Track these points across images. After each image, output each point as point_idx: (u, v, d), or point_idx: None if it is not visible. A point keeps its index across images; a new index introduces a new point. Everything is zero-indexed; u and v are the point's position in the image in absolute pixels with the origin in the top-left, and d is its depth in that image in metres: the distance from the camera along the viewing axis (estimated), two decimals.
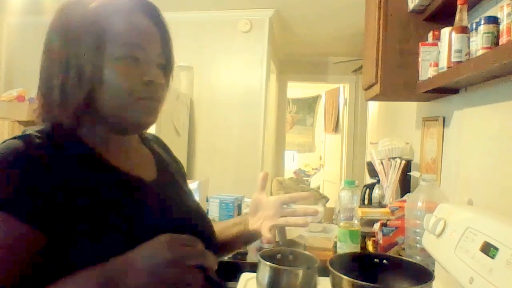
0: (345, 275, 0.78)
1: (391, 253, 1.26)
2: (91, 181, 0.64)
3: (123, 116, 0.68)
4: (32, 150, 0.61)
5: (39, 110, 0.71)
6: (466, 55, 1.09)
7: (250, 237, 0.92)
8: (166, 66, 0.74)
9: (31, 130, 0.66)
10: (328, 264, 0.82)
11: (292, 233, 1.54)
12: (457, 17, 1.11)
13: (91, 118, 0.69)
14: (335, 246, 1.36)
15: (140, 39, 0.68)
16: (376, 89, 1.62)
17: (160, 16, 0.73)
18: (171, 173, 0.85)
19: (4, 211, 0.56)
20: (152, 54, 0.69)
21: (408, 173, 1.83)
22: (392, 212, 1.41)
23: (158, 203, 0.73)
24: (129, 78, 0.66)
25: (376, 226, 1.37)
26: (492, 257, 0.71)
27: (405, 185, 1.87)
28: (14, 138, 0.62)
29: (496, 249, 0.71)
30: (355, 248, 1.28)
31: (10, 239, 0.56)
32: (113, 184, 0.68)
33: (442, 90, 1.41)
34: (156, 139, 0.93)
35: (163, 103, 0.73)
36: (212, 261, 0.60)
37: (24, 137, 0.62)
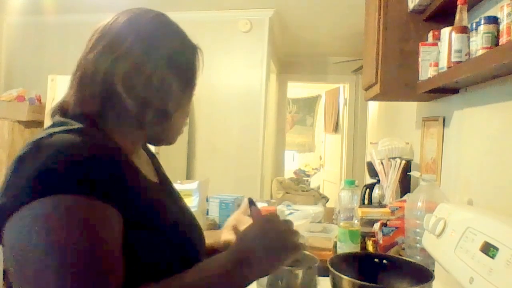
0: (345, 275, 0.78)
1: (391, 253, 1.26)
2: (131, 178, 0.65)
3: (162, 139, 0.78)
4: (88, 141, 0.60)
5: (76, 102, 0.68)
6: (466, 55, 1.09)
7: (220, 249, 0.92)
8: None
9: (67, 126, 0.63)
10: (328, 264, 0.82)
11: None
12: (457, 17, 1.11)
13: (130, 126, 0.72)
14: (335, 246, 1.36)
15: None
16: (376, 89, 1.62)
17: None
18: (167, 179, 0.88)
19: (82, 195, 0.55)
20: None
21: (408, 173, 1.83)
22: (392, 212, 1.41)
23: (170, 202, 0.79)
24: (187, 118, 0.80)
25: (376, 226, 1.37)
26: (492, 257, 0.71)
27: (405, 185, 1.87)
28: (61, 132, 0.60)
29: (496, 249, 0.71)
30: (355, 248, 1.28)
31: (103, 219, 0.57)
32: (140, 180, 0.71)
33: (442, 90, 1.41)
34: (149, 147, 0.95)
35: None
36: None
37: (75, 131, 0.61)
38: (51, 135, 0.59)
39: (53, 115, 0.71)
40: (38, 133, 0.61)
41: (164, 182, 0.84)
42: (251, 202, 0.80)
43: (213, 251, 0.88)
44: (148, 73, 0.68)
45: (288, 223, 0.72)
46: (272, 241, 0.66)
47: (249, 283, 0.65)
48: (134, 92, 0.68)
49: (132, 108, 0.68)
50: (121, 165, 0.63)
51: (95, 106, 0.67)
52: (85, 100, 0.68)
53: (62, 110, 0.70)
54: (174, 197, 0.83)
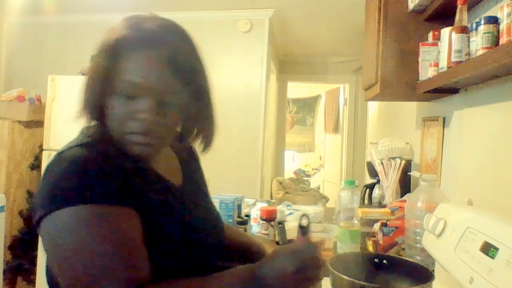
0: (345, 275, 0.78)
1: (391, 253, 1.26)
2: (138, 180, 0.70)
3: (122, 143, 0.72)
4: (97, 154, 0.67)
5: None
6: (466, 55, 1.09)
7: (255, 254, 0.94)
8: (171, 101, 0.71)
9: (82, 138, 0.72)
10: (328, 264, 0.82)
11: (292, 233, 1.54)
12: (457, 17, 1.11)
13: None
14: (335, 246, 1.35)
15: (140, 77, 0.68)
16: (376, 89, 1.62)
17: (173, 50, 0.70)
18: (196, 181, 0.89)
19: (95, 203, 0.62)
20: (150, 91, 0.68)
21: (408, 173, 1.83)
22: (392, 212, 1.41)
23: (185, 206, 0.79)
24: (121, 114, 0.69)
25: (376, 226, 1.37)
26: (492, 257, 0.71)
27: (405, 185, 1.87)
28: (75, 146, 0.68)
29: (496, 249, 0.71)
30: (355, 248, 1.28)
31: (119, 224, 0.63)
32: (152, 184, 0.73)
33: (442, 90, 1.41)
34: (188, 149, 0.96)
35: (166, 137, 0.74)
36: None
37: (85, 145, 0.68)
38: (71, 148, 0.68)
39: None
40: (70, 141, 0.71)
41: (189, 184, 0.85)
42: (303, 231, 0.73)
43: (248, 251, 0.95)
44: None
45: (317, 253, 0.69)
46: (293, 273, 0.65)
47: None
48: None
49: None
50: (126, 171, 0.68)
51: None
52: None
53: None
54: (193, 200, 0.83)
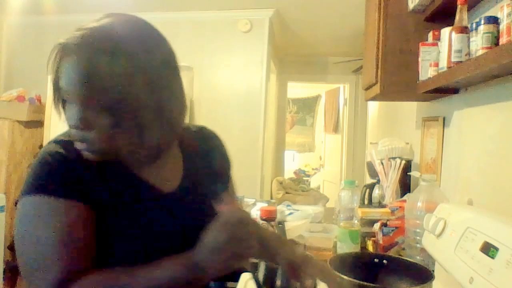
0: (345, 275, 0.78)
1: (391, 253, 1.26)
2: (105, 183, 0.71)
3: None
4: (65, 150, 0.70)
5: None
6: (466, 55, 1.09)
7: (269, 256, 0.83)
8: (94, 107, 0.67)
9: (62, 134, 0.75)
10: (328, 264, 0.82)
11: (292, 233, 1.54)
12: (457, 17, 1.11)
13: None
14: (335, 246, 1.36)
15: (66, 84, 0.67)
16: (376, 89, 1.62)
17: (82, 54, 0.66)
18: (199, 183, 0.83)
19: (51, 195, 0.67)
20: (76, 98, 0.67)
21: (408, 173, 1.83)
22: (392, 212, 1.41)
23: (160, 213, 0.76)
24: (66, 119, 0.71)
25: (376, 226, 1.37)
26: (492, 257, 0.71)
27: (405, 185, 1.87)
28: (52, 141, 0.73)
29: (496, 249, 0.71)
30: (355, 248, 1.28)
31: (66, 215, 0.67)
32: (118, 185, 0.73)
33: (442, 90, 1.41)
34: (205, 138, 0.91)
35: (104, 141, 0.68)
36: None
37: (59, 141, 0.72)
38: (49, 143, 0.72)
39: None
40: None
41: (186, 190, 0.80)
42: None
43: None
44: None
45: (244, 221, 0.65)
46: (224, 248, 0.62)
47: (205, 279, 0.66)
48: None
49: None
50: (91, 170, 0.70)
51: None
52: None
53: None
54: (185, 206, 0.79)
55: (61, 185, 0.67)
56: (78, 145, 0.70)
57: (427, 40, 1.44)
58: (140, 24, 0.72)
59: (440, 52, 1.27)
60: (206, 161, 0.88)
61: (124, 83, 0.65)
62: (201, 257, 0.64)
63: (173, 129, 0.74)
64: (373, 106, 3.61)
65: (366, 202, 1.96)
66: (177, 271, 0.64)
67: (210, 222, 0.67)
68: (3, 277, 2.65)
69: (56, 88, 0.69)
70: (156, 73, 0.69)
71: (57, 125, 2.75)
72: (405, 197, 1.65)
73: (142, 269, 0.65)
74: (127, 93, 0.65)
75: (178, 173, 0.82)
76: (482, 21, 0.98)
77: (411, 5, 1.51)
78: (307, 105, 6.88)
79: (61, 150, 0.70)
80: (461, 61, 1.09)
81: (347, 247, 1.27)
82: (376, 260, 0.92)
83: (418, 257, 1.14)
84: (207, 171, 0.87)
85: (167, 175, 0.80)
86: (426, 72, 1.38)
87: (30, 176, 0.69)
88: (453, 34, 1.11)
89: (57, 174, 0.68)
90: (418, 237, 1.14)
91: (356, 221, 1.31)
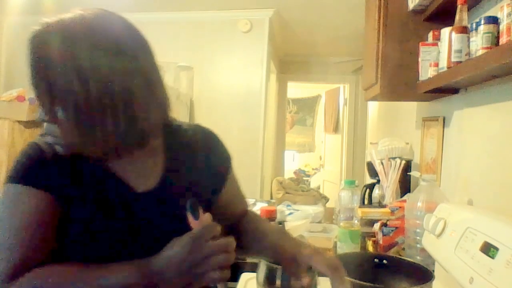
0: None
1: (391, 253, 1.26)
2: (74, 177, 0.72)
3: None
4: (44, 143, 0.72)
5: None
6: (466, 55, 1.09)
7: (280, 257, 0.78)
8: (48, 100, 0.68)
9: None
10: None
11: (292, 233, 1.54)
12: (457, 17, 1.11)
13: None
14: (335, 246, 1.36)
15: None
16: (376, 89, 1.62)
17: (34, 46, 0.67)
18: (179, 182, 0.80)
19: (23, 184, 0.69)
20: (33, 90, 0.70)
21: (408, 173, 1.83)
22: (392, 212, 1.41)
23: (126, 212, 0.73)
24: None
25: (376, 226, 1.37)
26: (492, 257, 0.71)
27: (405, 185, 1.86)
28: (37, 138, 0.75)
29: (496, 249, 0.71)
30: (355, 248, 1.28)
31: (31, 205, 0.68)
32: (92, 183, 0.73)
33: (442, 90, 1.41)
34: (198, 136, 0.86)
35: (65, 135, 0.69)
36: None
37: (43, 135, 0.74)
38: (37, 136, 0.75)
39: None
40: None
41: (164, 190, 0.77)
42: (194, 215, 0.66)
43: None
44: None
45: (207, 236, 0.63)
46: (187, 270, 0.62)
47: None
48: None
49: None
50: (57, 163, 0.71)
51: None
52: None
53: None
54: (160, 207, 0.75)
55: (30, 174, 0.69)
56: (48, 139, 0.71)
57: (427, 40, 1.44)
58: (103, 16, 0.70)
59: (440, 52, 1.27)
60: (196, 161, 0.83)
61: (71, 76, 0.64)
62: (158, 267, 0.63)
63: (142, 124, 0.70)
64: (373, 106, 3.61)
65: (366, 202, 1.96)
66: (130, 277, 0.63)
67: (183, 227, 0.65)
68: None
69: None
70: (110, 66, 0.66)
71: None
72: (405, 197, 1.65)
73: (95, 268, 0.65)
74: (79, 86, 0.64)
75: (158, 171, 0.78)
76: (482, 21, 0.98)
77: (411, 5, 1.51)
78: (307, 105, 6.88)
79: (40, 143, 0.72)
80: (461, 61, 1.09)
81: (347, 247, 1.27)
82: (376, 260, 0.92)
83: (418, 257, 1.14)
84: (196, 171, 0.82)
85: (145, 173, 0.76)
86: (426, 72, 1.38)
87: (14, 166, 0.72)
88: (453, 34, 1.11)
89: (29, 164, 0.70)
90: (418, 237, 1.14)
91: (356, 221, 1.31)
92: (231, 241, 0.65)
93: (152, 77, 0.73)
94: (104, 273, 0.64)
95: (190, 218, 0.65)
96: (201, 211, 0.66)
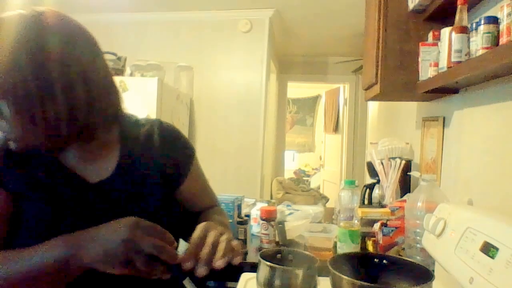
0: (345, 275, 0.78)
1: (391, 253, 1.26)
2: (27, 170, 0.74)
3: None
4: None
5: None
6: (466, 55, 1.09)
7: None
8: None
9: None
10: (328, 264, 0.82)
11: (292, 233, 1.54)
12: (457, 17, 1.11)
13: None
14: (335, 246, 1.36)
15: None
16: (376, 89, 1.62)
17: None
18: (132, 175, 0.82)
19: None
20: None
21: (408, 173, 1.83)
22: (392, 212, 1.41)
23: (80, 202, 0.76)
24: None
25: (376, 226, 1.37)
26: (492, 257, 0.71)
27: (405, 185, 1.86)
28: None
29: (496, 249, 0.71)
30: (355, 248, 1.28)
31: None
32: (42, 175, 0.75)
33: (442, 90, 1.41)
34: (154, 131, 0.89)
35: (12, 130, 0.70)
36: (171, 256, 0.63)
37: None
38: None
39: None
40: None
41: (117, 181, 0.79)
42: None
43: None
44: None
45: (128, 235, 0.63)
46: (113, 251, 0.62)
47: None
48: None
49: None
50: (10, 157, 0.73)
51: None
52: None
53: None
54: (113, 198, 0.78)
55: None
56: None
57: (427, 40, 1.44)
58: (44, 14, 0.70)
59: (440, 52, 1.27)
60: (151, 154, 0.85)
61: (9, 72, 0.65)
62: (84, 239, 0.64)
63: (86, 118, 0.71)
64: (373, 106, 3.61)
65: (366, 202, 1.96)
66: (55, 248, 0.64)
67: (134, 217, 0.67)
68: None
69: None
70: (47, 61, 0.66)
71: None
72: (405, 197, 1.66)
73: (29, 248, 0.66)
74: (18, 81, 0.65)
75: (113, 162, 0.81)
76: (482, 21, 0.98)
77: (411, 5, 1.51)
78: (307, 105, 6.88)
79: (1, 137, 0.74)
80: (461, 61, 1.09)
81: (347, 247, 1.27)
82: (376, 260, 0.91)
83: (418, 257, 1.14)
84: (151, 164, 0.84)
85: (100, 164, 0.80)
86: (426, 72, 1.38)
87: None
88: (453, 34, 1.11)
89: None
90: (418, 237, 1.14)
91: (356, 221, 1.31)
92: (170, 249, 0.64)
93: (95, 72, 0.73)
94: (35, 248, 0.66)
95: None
96: None
